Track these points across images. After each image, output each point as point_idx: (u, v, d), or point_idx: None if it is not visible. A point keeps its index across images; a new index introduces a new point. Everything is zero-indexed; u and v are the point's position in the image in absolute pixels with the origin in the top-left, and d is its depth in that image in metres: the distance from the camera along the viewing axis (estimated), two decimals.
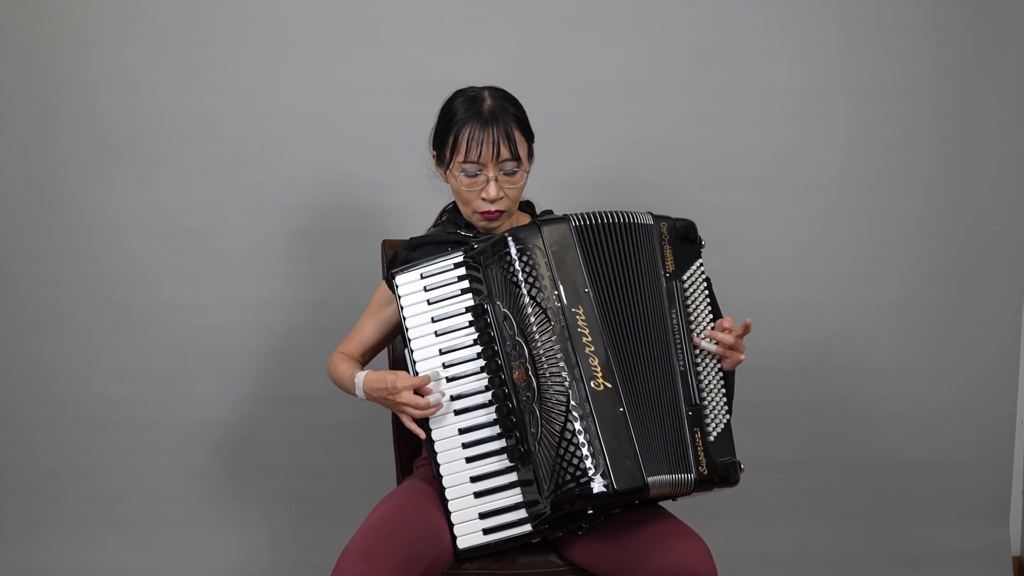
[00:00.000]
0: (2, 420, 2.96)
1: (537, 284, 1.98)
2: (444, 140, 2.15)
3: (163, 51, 2.86)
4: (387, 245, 2.45)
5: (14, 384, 2.95)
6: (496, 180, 2.12)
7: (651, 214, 2.09)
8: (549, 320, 1.96)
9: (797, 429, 3.04)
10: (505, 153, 2.10)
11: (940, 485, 3.07)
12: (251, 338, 2.96)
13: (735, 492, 2.82)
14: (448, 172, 2.16)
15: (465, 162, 2.12)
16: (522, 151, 2.13)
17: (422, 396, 2.03)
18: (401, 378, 2.03)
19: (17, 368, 2.95)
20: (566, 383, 1.93)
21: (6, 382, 2.95)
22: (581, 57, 2.92)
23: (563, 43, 2.92)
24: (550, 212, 2.28)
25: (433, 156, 2.22)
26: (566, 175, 2.88)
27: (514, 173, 2.13)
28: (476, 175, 2.12)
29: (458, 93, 2.18)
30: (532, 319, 1.97)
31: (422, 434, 2.05)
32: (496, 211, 2.14)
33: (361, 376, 2.11)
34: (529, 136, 2.17)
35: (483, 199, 2.13)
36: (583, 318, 1.97)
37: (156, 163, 2.89)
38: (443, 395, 2.03)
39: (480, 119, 2.11)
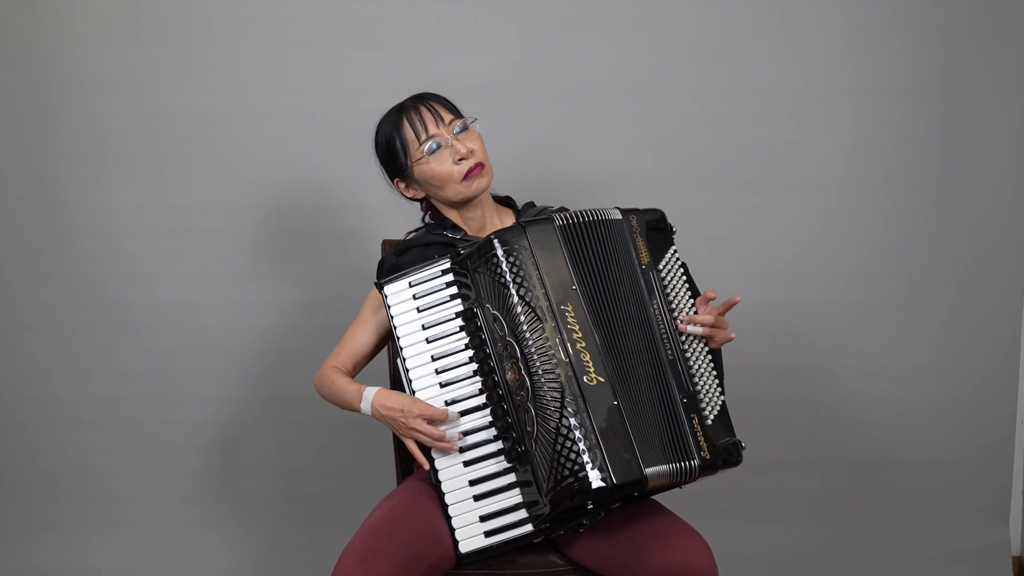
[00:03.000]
0: (2, 420, 2.96)
1: (525, 284, 1.98)
2: (394, 153, 2.20)
3: (163, 51, 2.87)
4: (387, 245, 2.45)
5: (14, 384, 2.95)
6: (456, 139, 2.16)
7: (619, 209, 2.09)
8: (539, 319, 1.96)
9: (797, 429, 3.04)
10: (447, 115, 2.18)
11: (940, 485, 3.07)
12: (251, 338, 2.96)
13: (735, 491, 2.83)
14: (416, 171, 2.19)
15: (422, 144, 2.16)
16: (460, 110, 2.21)
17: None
18: (418, 405, 2.03)
19: (17, 368, 2.95)
20: (559, 380, 1.93)
21: (6, 382, 2.95)
22: (582, 57, 2.92)
23: (564, 43, 2.92)
24: (532, 204, 2.29)
25: (397, 185, 2.26)
26: (566, 175, 2.88)
27: (466, 128, 2.18)
28: (437, 148, 2.16)
29: (380, 122, 2.24)
30: (522, 318, 1.97)
31: (426, 464, 2.04)
32: (476, 164, 2.17)
33: (372, 391, 2.10)
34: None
35: (458, 161, 2.16)
36: (572, 315, 1.97)
37: (156, 163, 2.90)
38: (459, 436, 2.02)
39: (408, 108, 2.19)
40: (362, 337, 2.26)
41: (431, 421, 2.02)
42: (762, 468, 2.70)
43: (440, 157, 2.16)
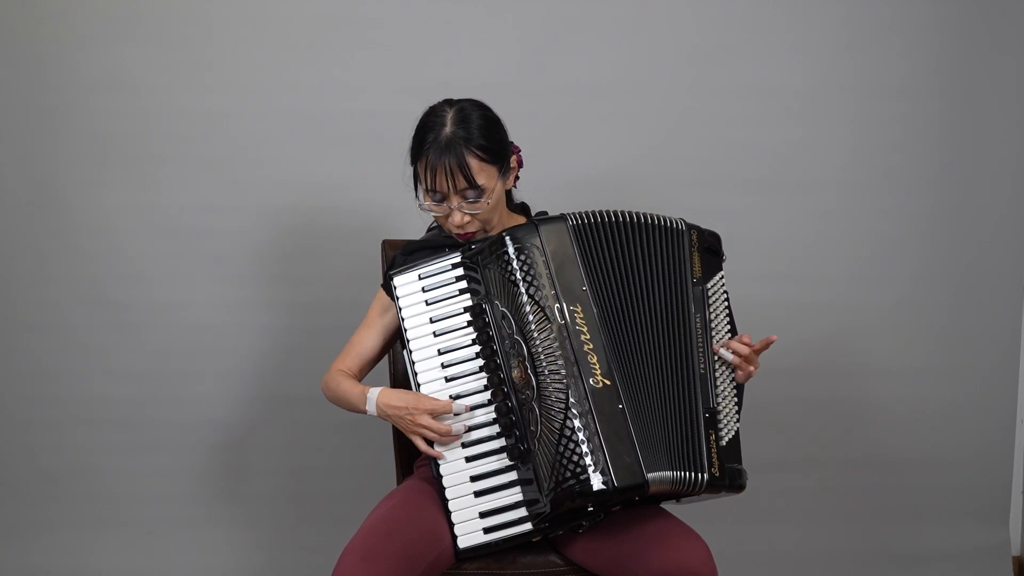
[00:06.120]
0: (2, 420, 2.96)
1: (535, 283, 1.98)
2: (414, 161, 2.15)
3: (163, 51, 2.86)
4: (387, 245, 2.45)
5: (14, 384, 2.95)
6: (459, 208, 2.11)
7: (684, 220, 2.11)
8: (547, 318, 1.96)
9: (797, 429, 3.04)
10: (462, 183, 2.08)
11: (940, 485, 3.07)
12: (251, 338, 2.96)
13: None
14: (421, 202, 2.16)
15: (427, 191, 2.12)
16: (483, 178, 2.09)
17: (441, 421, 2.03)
18: (423, 400, 2.03)
19: (17, 368, 2.95)
20: (565, 381, 1.93)
21: (6, 382, 2.95)
22: (582, 57, 2.92)
23: (564, 43, 2.92)
24: (545, 214, 2.29)
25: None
26: (566, 175, 2.88)
27: (476, 201, 2.11)
28: (440, 202, 2.12)
29: (428, 113, 2.15)
30: (530, 317, 1.97)
31: (438, 454, 2.04)
32: (467, 233, 2.15)
33: (376, 391, 2.10)
34: (496, 158, 2.12)
35: (451, 224, 2.14)
36: (581, 316, 1.97)
37: (156, 163, 2.89)
38: (464, 428, 2.03)
39: (436, 148, 2.07)
40: (368, 341, 2.26)
41: (436, 415, 2.02)
42: (762, 468, 2.70)
43: (439, 210, 2.13)
